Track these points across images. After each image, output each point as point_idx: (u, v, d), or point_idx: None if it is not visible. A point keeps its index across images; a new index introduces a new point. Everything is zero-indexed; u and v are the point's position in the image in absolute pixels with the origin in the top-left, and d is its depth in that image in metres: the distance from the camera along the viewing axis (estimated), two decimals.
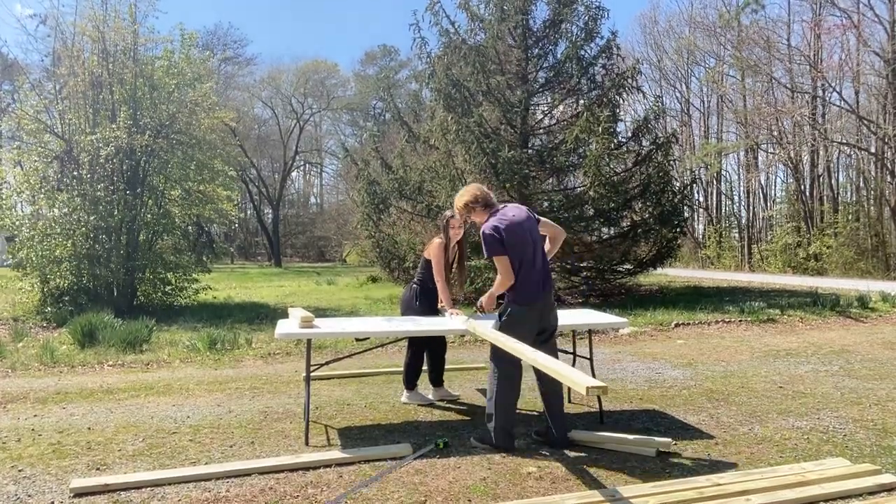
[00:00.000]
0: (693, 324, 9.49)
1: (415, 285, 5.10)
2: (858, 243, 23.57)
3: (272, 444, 4.06)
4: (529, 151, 12.96)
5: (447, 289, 4.91)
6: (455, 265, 5.13)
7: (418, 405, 4.99)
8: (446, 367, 5.27)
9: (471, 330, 4.24)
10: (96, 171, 11.29)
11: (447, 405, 5.02)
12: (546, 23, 13.30)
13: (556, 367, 3.21)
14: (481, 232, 3.86)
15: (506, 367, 3.85)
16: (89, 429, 4.42)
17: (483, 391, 5.51)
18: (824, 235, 23.95)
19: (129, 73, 11.80)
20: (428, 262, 4.97)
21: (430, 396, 5.12)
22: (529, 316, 3.88)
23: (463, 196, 4.06)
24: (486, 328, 3.97)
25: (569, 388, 5.20)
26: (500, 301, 4.07)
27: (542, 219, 4.08)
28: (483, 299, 4.13)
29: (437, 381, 5.16)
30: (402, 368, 5.24)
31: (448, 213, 5.05)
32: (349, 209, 32.37)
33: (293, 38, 77.03)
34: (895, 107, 22.11)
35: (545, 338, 3.98)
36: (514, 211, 3.96)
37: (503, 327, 3.87)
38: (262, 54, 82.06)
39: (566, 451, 3.87)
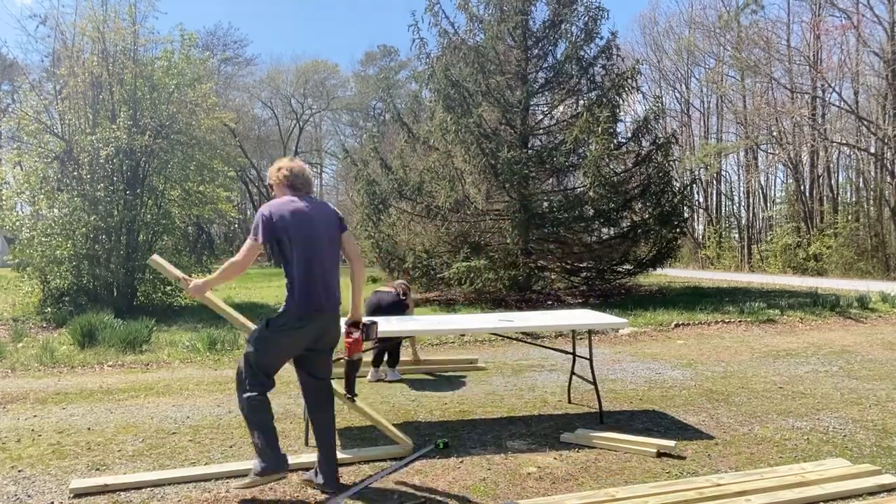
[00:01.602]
0: (693, 324, 9.49)
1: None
2: (858, 244, 23.57)
3: None
4: (529, 152, 12.97)
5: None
6: None
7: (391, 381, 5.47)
8: (449, 367, 5.29)
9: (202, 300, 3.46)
10: (96, 172, 11.28)
11: (447, 405, 5.02)
12: (546, 23, 13.32)
13: None
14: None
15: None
16: (89, 429, 4.42)
17: (485, 391, 5.51)
18: (824, 236, 23.94)
19: (128, 73, 11.80)
20: None
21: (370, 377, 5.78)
22: (305, 330, 3.21)
23: (275, 163, 3.45)
24: (219, 303, 3.51)
25: (569, 387, 5.21)
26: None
27: (347, 233, 3.41)
28: (197, 282, 3.30)
29: (377, 362, 5.86)
30: (403, 367, 5.33)
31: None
32: (349, 209, 32.32)
33: (293, 38, 77.01)
34: (895, 107, 22.11)
35: (320, 351, 3.39)
36: (307, 201, 3.30)
37: (262, 336, 3.22)
38: (262, 54, 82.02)
39: (566, 451, 3.86)
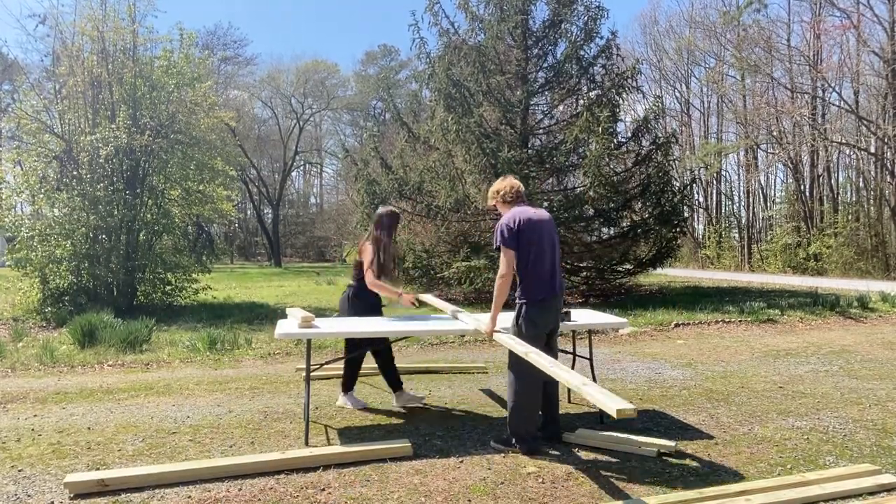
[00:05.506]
0: (693, 324, 9.49)
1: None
2: (858, 243, 23.57)
3: (272, 444, 4.06)
4: (529, 151, 12.96)
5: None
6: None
7: (404, 406, 4.97)
8: (449, 367, 5.26)
9: (496, 340, 4.11)
10: (96, 171, 11.28)
11: (447, 405, 5.02)
12: (546, 23, 13.31)
13: (580, 386, 3.07)
14: (498, 224, 3.97)
15: (526, 372, 3.77)
16: (89, 429, 4.42)
17: (486, 391, 5.51)
18: (824, 235, 23.95)
19: (128, 72, 11.79)
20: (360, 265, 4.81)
21: (395, 403, 4.95)
22: (544, 316, 3.92)
23: (496, 183, 4.19)
24: (506, 336, 3.92)
25: (568, 389, 5.20)
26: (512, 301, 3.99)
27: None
28: (487, 326, 4.00)
29: (396, 384, 4.97)
30: (402, 367, 5.27)
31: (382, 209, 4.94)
32: (349, 209, 32.37)
33: (293, 37, 77.03)
34: (895, 107, 22.11)
35: (550, 339, 4.04)
36: (535, 210, 4.06)
37: (521, 329, 3.88)
38: (262, 54, 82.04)
39: (566, 451, 3.86)
